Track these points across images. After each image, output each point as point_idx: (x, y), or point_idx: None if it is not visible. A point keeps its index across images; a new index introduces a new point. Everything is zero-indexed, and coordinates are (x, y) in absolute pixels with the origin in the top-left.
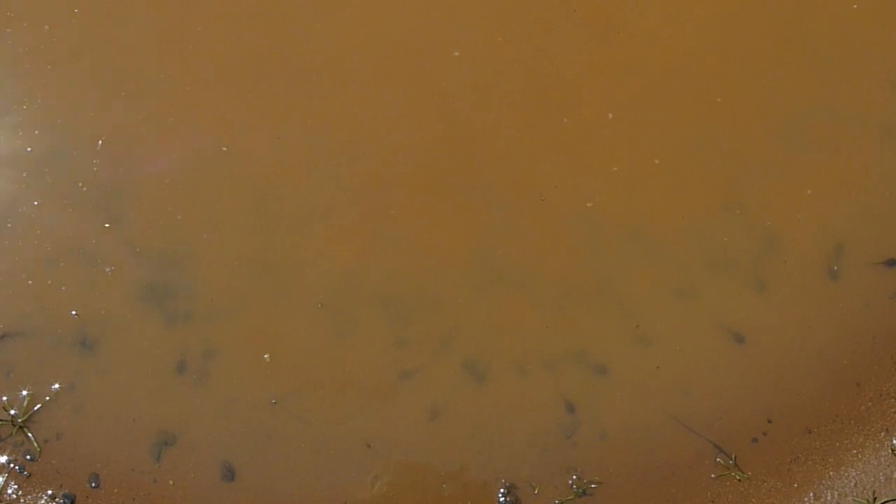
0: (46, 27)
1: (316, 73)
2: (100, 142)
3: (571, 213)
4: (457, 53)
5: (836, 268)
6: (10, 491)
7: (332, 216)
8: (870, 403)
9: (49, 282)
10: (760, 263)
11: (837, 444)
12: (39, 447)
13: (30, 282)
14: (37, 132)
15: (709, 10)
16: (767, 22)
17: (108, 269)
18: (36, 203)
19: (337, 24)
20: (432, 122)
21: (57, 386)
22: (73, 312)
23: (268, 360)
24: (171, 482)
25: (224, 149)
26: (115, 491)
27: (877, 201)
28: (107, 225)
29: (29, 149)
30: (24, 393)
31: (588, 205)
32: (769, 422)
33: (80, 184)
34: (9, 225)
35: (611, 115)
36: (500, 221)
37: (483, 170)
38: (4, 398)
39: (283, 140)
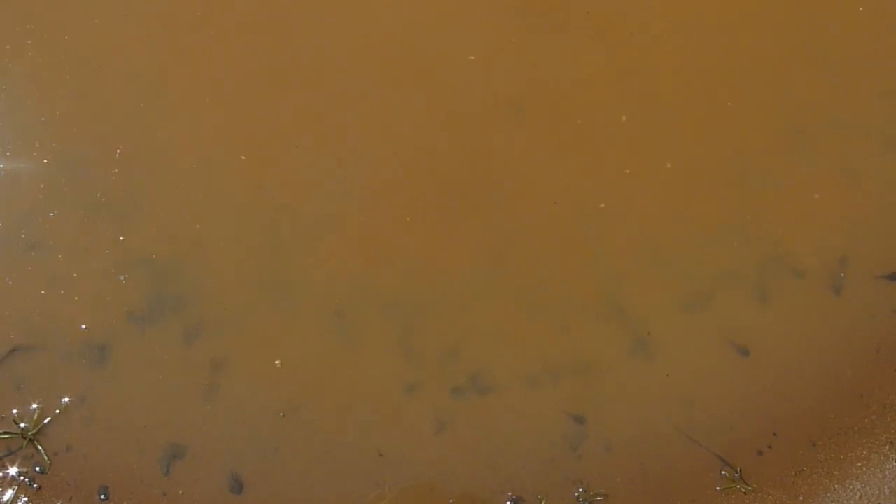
0: (66, 38)
1: (332, 81)
2: (118, 151)
3: (583, 216)
4: (472, 57)
5: (841, 276)
6: (20, 503)
7: (344, 225)
8: (874, 416)
9: (61, 292)
10: (765, 275)
11: (842, 456)
12: (49, 460)
13: (42, 292)
14: (54, 144)
15: (720, 15)
16: (777, 28)
17: (121, 278)
18: (52, 214)
19: (354, 33)
20: (446, 127)
21: (67, 399)
22: (83, 326)
23: (279, 366)
24: (180, 492)
25: (242, 157)
26: (125, 503)
27: (882, 214)
28: (121, 238)
29: (46, 160)
30: (35, 406)
31: (601, 206)
32: (774, 434)
33: (98, 194)
34: (23, 235)
35: (624, 118)
36: (513, 228)
37: (496, 174)
38: (15, 411)
39: (302, 149)
